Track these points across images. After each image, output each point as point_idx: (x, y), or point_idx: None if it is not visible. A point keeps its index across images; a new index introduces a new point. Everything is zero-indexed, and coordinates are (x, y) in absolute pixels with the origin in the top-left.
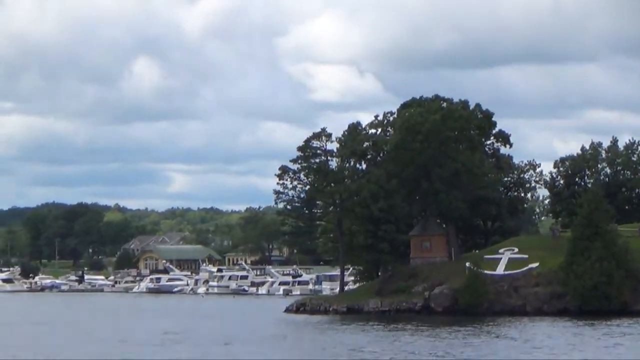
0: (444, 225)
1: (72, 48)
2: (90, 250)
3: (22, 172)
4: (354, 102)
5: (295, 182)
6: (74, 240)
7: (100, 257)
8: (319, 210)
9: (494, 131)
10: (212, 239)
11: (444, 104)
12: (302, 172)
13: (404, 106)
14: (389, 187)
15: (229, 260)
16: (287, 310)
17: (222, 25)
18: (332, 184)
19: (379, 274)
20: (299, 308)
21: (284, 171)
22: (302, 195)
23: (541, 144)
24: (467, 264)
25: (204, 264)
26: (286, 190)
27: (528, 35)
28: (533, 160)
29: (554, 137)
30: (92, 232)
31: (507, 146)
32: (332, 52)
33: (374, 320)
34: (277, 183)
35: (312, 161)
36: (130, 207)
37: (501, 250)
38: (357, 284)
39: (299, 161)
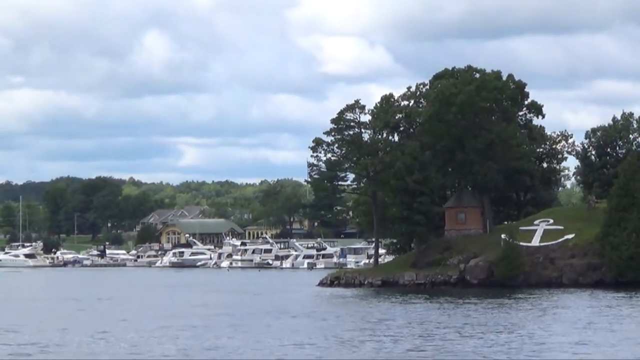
0: (479, 197)
1: (82, 21)
2: (109, 225)
3: (34, 147)
4: (364, 74)
5: (329, 155)
6: (93, 215)
7: (119, 231)
8: (340, 183)
9: (526, 102)
10: (231, 212)
11: (477, 75)
12: (336, 145)
13: (436, 77)
14: (424, 159)
15: (249, 233)
16: (321, 283)
17: None
18: (366, 156)
19: (412, 246)
20: (333, 281)
21: (317, 143)
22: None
23: (552, 114)
24: (503, 236)
25: (228, 238)
26: (320, 163)
27: (539, 5)
28: (565, 130)
29: (565, 107)
30: (111, 206)
31: (540, 117)
32: (342, 24)
33: (413, 293)
34: (311, 155)
35: (346, 133)
36: (144, 181)
37: (536, 222)
38: (382, 256)
39: (333, 133)
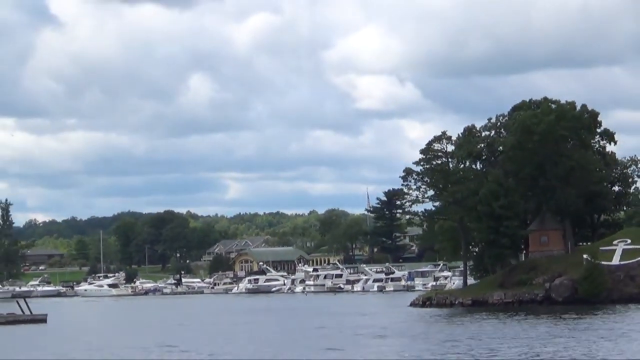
0: (560, 220)
1: (131, 66)
2: (178, 255)
3: (88, 184)
4: (395, 109)
5: (418, 184)
6: (162, 246)
7: (187, 261)
8: (397, 211)
9: (599, 130)
10: (292, 241)
11: (553, 105)
12: (425, 174)
13: (515, 109)
14: (508, 185)
15: (314, 260)
16: (413, 304)
17: (271, 40)
18: (452, 184)
19: (495, 268)
20: (424, 302)
21: (408, 173)
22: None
23: None
24: (585, 256)
25: (300, 264)
26: (410, 191)
27: (557, 41)
28: (635, 156)
29: None
30: (179, 238)
31: (612, 143)
32: (373, 63)
33: (504, 311)
34: (402, 184)
35: (434, 163)
36: (199, 214)
37: (615, 242)
38: (449, 278)
39: (422, 163)
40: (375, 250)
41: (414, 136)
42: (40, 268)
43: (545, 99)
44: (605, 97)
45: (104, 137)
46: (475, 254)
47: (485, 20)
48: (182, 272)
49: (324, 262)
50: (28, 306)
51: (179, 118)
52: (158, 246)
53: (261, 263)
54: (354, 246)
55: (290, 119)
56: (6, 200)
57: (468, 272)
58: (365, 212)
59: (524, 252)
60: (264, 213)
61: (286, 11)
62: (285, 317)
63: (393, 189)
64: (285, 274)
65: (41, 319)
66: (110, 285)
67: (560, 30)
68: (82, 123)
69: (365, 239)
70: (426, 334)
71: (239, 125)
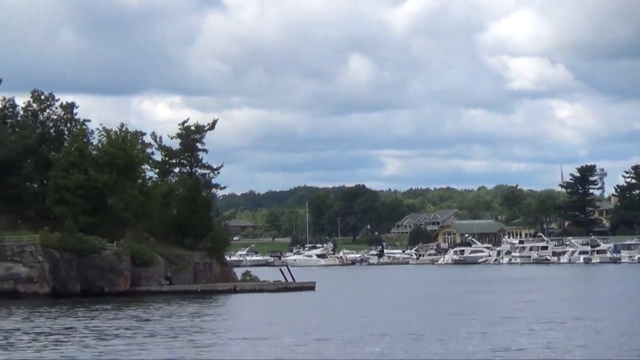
0: None
1: (292, 47)
2: (368, 227)
3: (252, 160)
4: (547, 90)
5: None
6: (354, 219)
7: (376, 233)
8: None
9: None
10: (482, 214)
11: None
12: None
13: None
14: None
15: (512, 233)
16: None
17: (426, 23)
18: None
19: None
20: None
21: None
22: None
23: None
24: None
25: (505, 237)
26: None
27: None
28: None
29: None
30: (369, 210)
31: None
32: (526, 45)
33: None
34: None
35: None
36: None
37: None
38: None
39: None
40: (567, 224)
41: (563, 116)
42: (234, 239)
43: None
44: None
45: (268, 115)
46: None
47: (629, 5)
48: (384, 243)
49: (517, 234)
50: (291, 274)
51: (338, 97)
52: (350, 218)
53: (466, 235)
54: (547, 220)
55: (445, 99)
56: (207, 174)
57: None
58: (559, 187)
59: None
60: (434, 188)
61: None
62: (560, 285)
63: (586, 165)
64: (490, 245)
65: (310, 287)
66: (318, 256)
67: None
68: (247, 101)
69: (558, 212)
70: None
71: (396, 104)
